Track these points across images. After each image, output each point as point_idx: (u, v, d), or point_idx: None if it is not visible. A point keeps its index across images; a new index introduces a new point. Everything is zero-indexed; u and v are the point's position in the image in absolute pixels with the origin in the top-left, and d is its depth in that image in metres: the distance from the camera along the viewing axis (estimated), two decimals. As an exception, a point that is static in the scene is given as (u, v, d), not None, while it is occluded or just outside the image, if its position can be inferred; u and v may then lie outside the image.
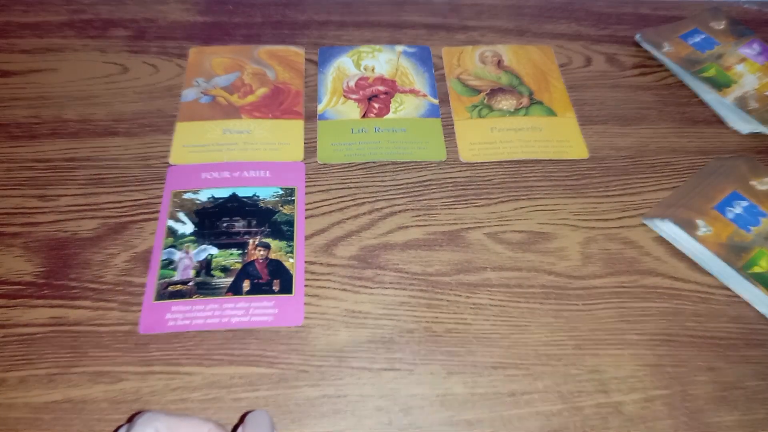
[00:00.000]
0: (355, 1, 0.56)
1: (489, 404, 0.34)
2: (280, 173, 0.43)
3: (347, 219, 0.41)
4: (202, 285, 0.37)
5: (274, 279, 0.37)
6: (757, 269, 0.39)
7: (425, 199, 0.42)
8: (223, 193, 0.41)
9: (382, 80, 0.49)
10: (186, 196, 0.41)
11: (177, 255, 0.38)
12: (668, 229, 0.41)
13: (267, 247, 0.39)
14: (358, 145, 0.45)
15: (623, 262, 0.40)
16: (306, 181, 0.43)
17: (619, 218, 0.42)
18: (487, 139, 0.46)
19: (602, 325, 0.37)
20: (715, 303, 0.38)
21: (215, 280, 0.37)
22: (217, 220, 0.40)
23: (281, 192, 0.42)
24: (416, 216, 0.41)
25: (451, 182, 0.43)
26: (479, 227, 0.41)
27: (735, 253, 0.39)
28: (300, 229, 0.40)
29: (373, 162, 0.44)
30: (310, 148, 0.45)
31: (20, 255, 0.38)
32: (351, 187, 0.43)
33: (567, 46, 0.53)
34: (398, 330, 0.36)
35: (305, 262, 0.39)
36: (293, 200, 0.41)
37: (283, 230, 0.40)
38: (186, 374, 0.34)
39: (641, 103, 0.49)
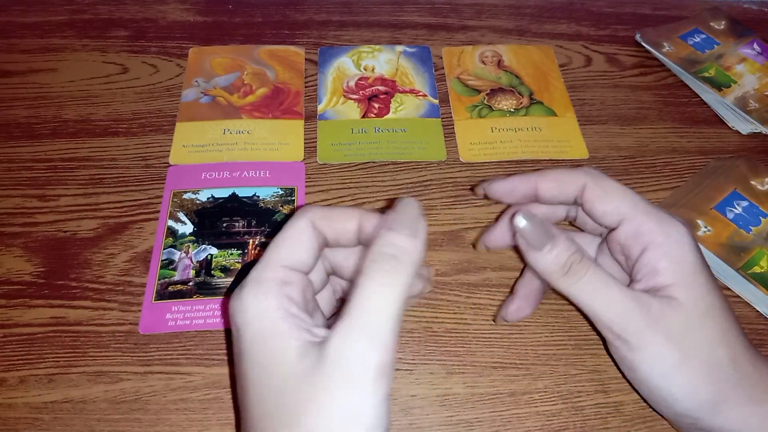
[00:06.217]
0: (355, 1, 0.56)
1: (489, 404, 0.34)
2: (280, 173, 0.43)
3: (347, 219, 0.41)
4: (202, 285, 0.37)
5: (274, 279, 0.37)
6: (757, 269, 0.39)
7: (425, 199, 0.42)
8: (223, 193, 0.41)
9: (382, 80, 0.49)
10: (186, 196, 0.41)
11: (177, 255, 0.38)
12: (668, 229, 0.40)
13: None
14: (358, 145, 0.45)
15: (623, 262, 0.40)
16: (306, 181, 0.43)
17: (619, 218, 0.42)
18: (487, 139, 0.46)
19: (602, 325, 0.37)
20: (715, 303, 0.38)
21: (215, 280, 0.37)
22: (217, 220, 0.40)
23: (281, 192, 0.42)
24: (416, 216, 0.41)
25: (451, 182, 0.43)
26: (479, 227, 0.41)
27: (735, 253, 0.39)
28: (300, 229, 0.40)
29: (373, 162, 0.44)
30: (310, 148, 0.45)
31: (20, 255, 0.38)
32: (351, 187, 0.43)
33: (567, 46, 0.53)
34: (398, 330, 0.36)
35: (305, 262, 0.38)
36: (293, 200, 0.41)
37: (283, 230, 0.40)
38: (186, 374, 0.34)
39: (641, 103, 0.49)
